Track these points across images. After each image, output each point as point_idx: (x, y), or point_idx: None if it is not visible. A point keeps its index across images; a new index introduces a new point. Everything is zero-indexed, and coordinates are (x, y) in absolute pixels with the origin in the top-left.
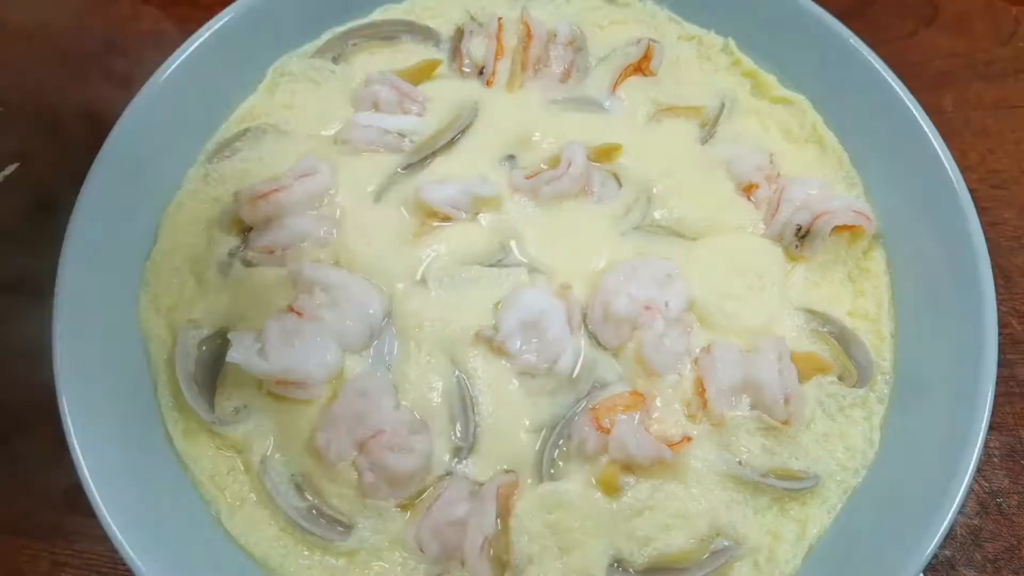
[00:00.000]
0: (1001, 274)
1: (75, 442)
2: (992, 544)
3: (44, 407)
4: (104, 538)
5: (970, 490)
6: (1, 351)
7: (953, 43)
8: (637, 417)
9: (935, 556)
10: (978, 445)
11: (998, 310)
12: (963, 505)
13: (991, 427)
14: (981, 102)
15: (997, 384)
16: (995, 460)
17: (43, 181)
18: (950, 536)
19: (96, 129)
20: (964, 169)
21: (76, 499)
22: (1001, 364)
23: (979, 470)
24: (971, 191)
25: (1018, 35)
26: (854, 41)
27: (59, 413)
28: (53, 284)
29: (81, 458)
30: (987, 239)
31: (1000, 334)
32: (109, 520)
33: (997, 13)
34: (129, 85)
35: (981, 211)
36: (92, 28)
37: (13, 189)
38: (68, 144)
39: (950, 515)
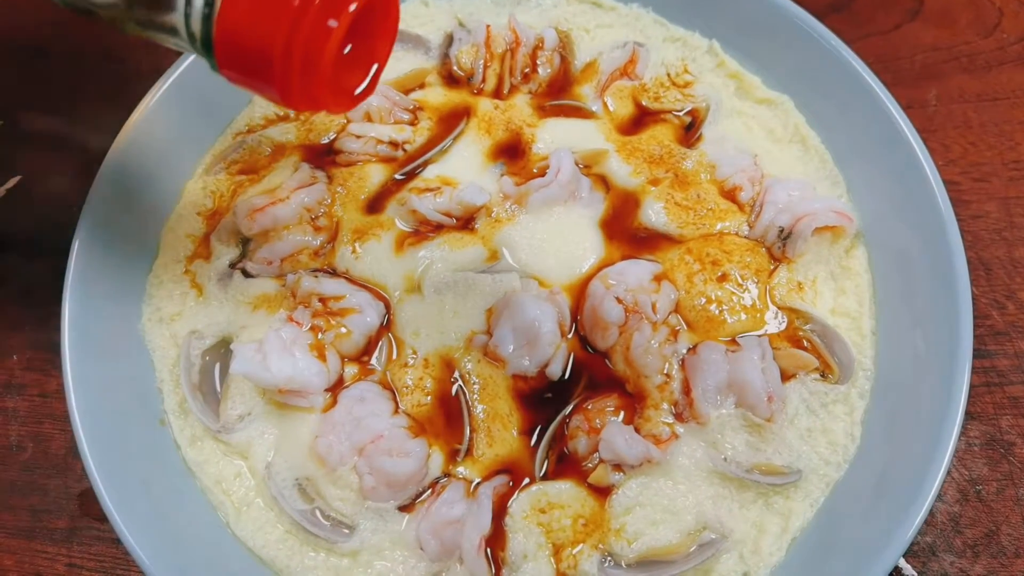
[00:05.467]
0: (982, 266)
1: (86, 451)
2: (971, 530)
3: (56, 415)
4: (118, 541)
5: (947, 479)
6: (10, 363)
7: (937, 36)
8: (626, 417)
9: (916, 542)
10: (953, 437)
11: (979, 302)
12: (943, 493)
13: (972, 416)
14: (964, 95)
15: (978, 374)
16: (975, 449)
17: (45, 193)
18: (931, 523)
19: (96, 140)
20: (947, 162)
21: (90, 504)
22: (982, 355)
23: (960, 458)
24: (954, 184)
25: (1001, 27)
26: (835, 41)
27: (71, 421)
28: (59, 296)
29: (92, 466)
30: (969, 232)
31: (981, 326)
32: (121, 525)
33: (980, 5)
34: (126, 93)
35: (963, 204)
36: (89, 38)
37: (15, 202)
38: (69, 156)
39: (927, 503)
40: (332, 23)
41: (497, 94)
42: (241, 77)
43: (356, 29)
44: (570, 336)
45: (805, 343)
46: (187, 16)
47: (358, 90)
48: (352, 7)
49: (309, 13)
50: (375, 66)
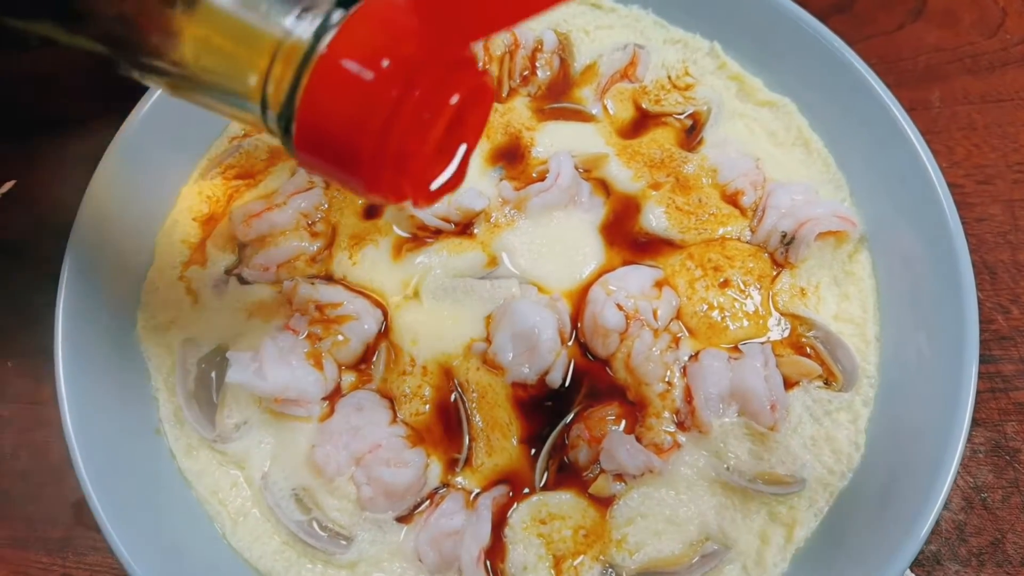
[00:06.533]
0: (987, 270)
1: (79, 461)
2: (976, 538)
3: (51, 423)
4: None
5: (954, 487)
6: (4, 369)
7: (940, 37)
8: (627, 426)
9: (920, 551)
10: (960, 445)
11: (984, 306)
12: (948, 500)
13: (977, 423)
14: (968, 96)
15: (983, 380)
16: (980, 456)
17: (39, 198)
18: (935, 531)
19: (92, 144)
20: (951, 165)
21: (84, 513)
22: (987, 360)
23: (964, 465)
24: (958, 187)
25: (1004, 27)
26: (838, 43)
27: (63, 430)
28: (53, 301)
29: (86, 477)
30: (973, 235)
31: (985, 330)
32: (115, 537)
33: (984, 5)
34: (122, 100)
35: (968, 207)
36: None
37: (9, 206)
38: (64, 160)
39: (934, 513)
40: (430, 117)
41: (496, 97)
42: (320, 163)
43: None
44: (570, 343)
45: (808, 350)
46: (265, 88)
47: (443, 179)
48: (454, 100)
49: (408, 105)
50: (463, 147)
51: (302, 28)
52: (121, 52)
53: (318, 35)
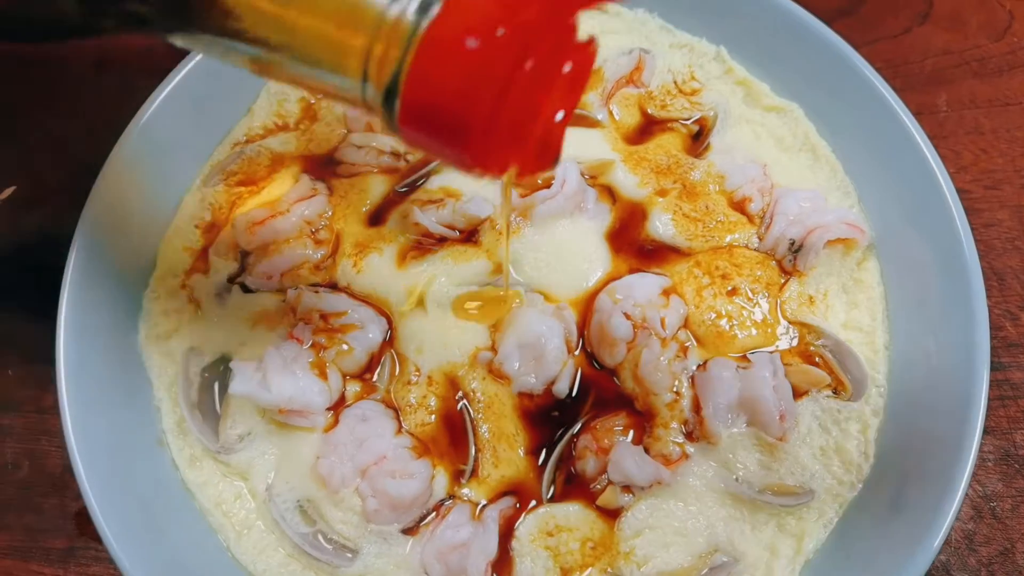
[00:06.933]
0: (995, 276)
1: (81, 472)
2: (986, 548)
3: (53, 432)
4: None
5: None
6: (5, 378)
7: (947, 40)
8: (635, 437)
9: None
10: (972, 454)
11: (992, 313)
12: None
13: (986, 431)
14: (975, 100)
15: (991, 388)
16: (989, 464)
17: (40, 204)
18: (944, 541)
19: (93, 150)
20: (958, 169)
21: (86, 524)
22: (995, 367)
23: (973, 474)
24: (965, 192)
25: (1012, 30)
26: (845, 48)
27: (65, 440)
28: (54, 310)
29: (88, 488)
30: (981, 241)
31: (994, 337)
32: (117, 549)
33: (991, 8)
34: (123, 103)
35: (975, 212)
36: (82, 47)
37: (10, 212)
38: (65, 167)
39: (946, 525)
40: (542, 86)
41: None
42: (425, 139)
43: None
44: (577, 352)
45: (817, 359)
46: (366, 64)
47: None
48: (567, 68)
49: (522, 75)
50: (560, 115)
51: None
52: (202, 30)
53: (425, 5)
